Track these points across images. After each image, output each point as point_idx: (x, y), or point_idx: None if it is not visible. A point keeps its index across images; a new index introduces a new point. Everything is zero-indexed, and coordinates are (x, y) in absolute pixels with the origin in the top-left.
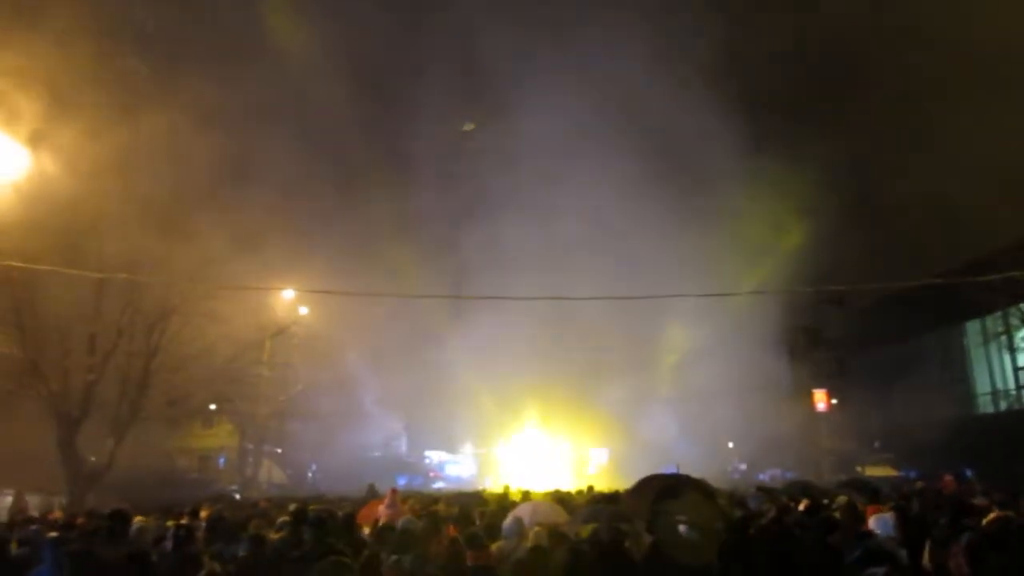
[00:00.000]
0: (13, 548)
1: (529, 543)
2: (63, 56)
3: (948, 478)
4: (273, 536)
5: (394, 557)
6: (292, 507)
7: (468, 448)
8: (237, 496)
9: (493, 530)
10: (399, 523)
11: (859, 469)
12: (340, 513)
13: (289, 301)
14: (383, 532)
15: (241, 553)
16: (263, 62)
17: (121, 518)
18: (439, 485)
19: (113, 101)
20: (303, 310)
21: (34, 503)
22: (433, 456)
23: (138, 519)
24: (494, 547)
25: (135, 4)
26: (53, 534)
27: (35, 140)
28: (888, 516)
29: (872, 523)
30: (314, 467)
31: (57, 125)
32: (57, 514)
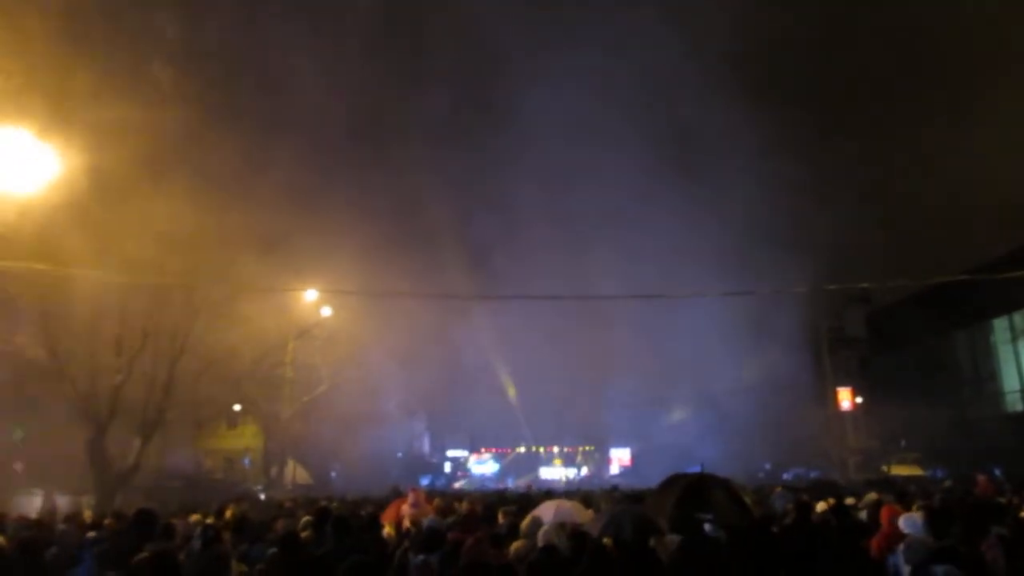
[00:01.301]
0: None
1: (540, 542)
2: (83, 61)
3: (981, 478)
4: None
5: (421, 556)
6: (322, 504)
7: (492, 448)
8: (262, 496)
9: (515, 529)
10: (424, 522)
11: (885, 468)
12: (363, 513)
13: (312, 302)
14: (412, 532)
15: (271, 552)
16: (284, 66)
17: (148, 518)
18: (461, 484)
19: (136, 105)
20: (326, 311)
21: (63, 504)
22: (455, 455)
23: (174, 521)
24: (513, 547)
25: (156, 10)
26: (92, 534)
27: (60, 143)
28: (916, 516)
29: (901, 523)
30: (337, 467)
31: (82, 129)
32: (87, 515)
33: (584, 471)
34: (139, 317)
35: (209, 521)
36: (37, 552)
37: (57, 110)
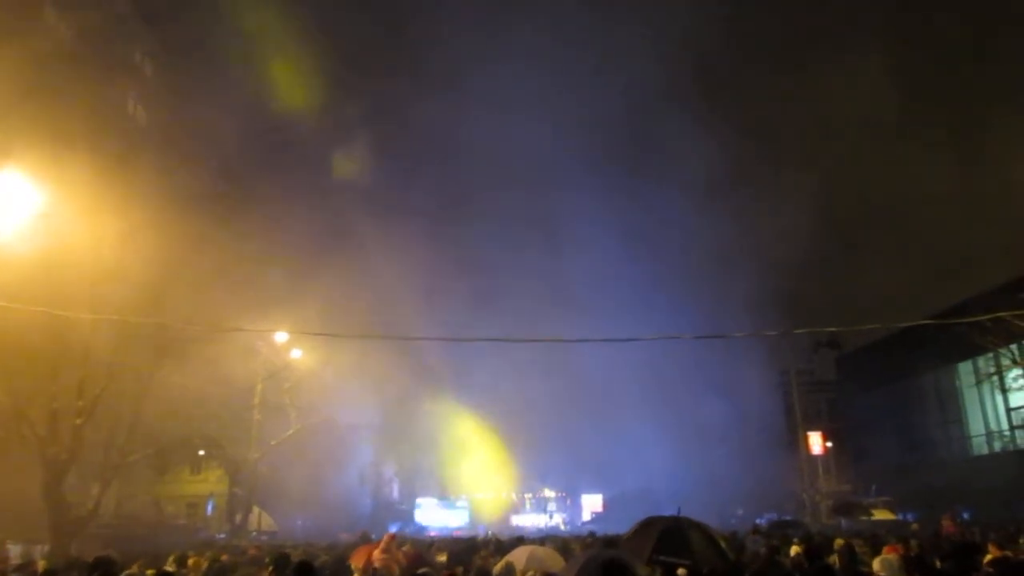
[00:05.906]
0: None
1: None
2: (61, 99)
3: (946, 521)
4: None
5: None
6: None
7: (462, 495)
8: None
9: (485, 574)
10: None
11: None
12: (325, 558)
13: (282, 344)
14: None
15: None
16: (260, 109)
17: (105, 567)
18: (431, 532)
19: (109, 145)
20: (296, 353)
21: (15, 552)
22: (425, 503)
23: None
24: None
25: (134, 50)
26: None
27: (28, 182)
28: (892, 558)
29: (876, 565)
30: (304, 514)
31: (52, 168)
32: (41, 564)
33: (556, 518)
34: (103, 357)
35: (170, 569)
36: None
37: (27, 147)
